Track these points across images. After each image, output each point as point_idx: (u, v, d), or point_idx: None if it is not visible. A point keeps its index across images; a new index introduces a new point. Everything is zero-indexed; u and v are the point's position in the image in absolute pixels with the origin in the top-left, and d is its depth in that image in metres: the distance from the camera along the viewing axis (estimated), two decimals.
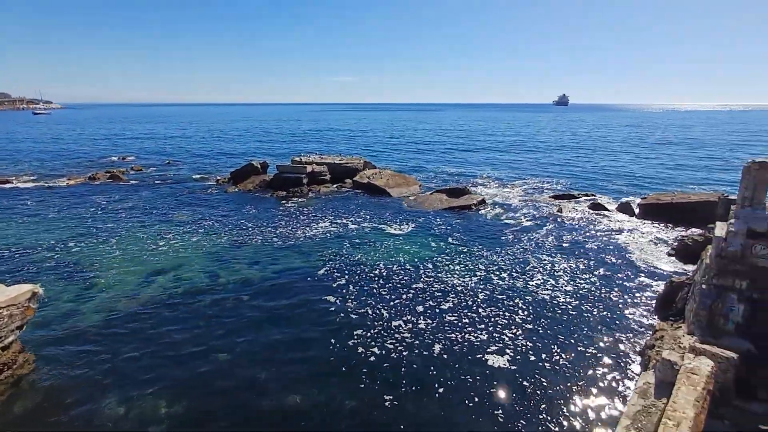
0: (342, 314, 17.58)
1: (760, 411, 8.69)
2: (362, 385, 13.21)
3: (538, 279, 20.86)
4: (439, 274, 21.39)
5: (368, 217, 32.34)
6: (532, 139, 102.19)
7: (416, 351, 14.98)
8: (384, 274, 21.55)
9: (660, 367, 9.36)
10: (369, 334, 16.02)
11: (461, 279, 20.82)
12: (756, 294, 11.05)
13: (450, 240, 26.62)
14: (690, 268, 20.77)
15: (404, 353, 14.82)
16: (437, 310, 17.84)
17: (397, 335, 15.96)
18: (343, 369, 14.02)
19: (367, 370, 13.90)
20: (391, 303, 18.51)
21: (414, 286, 20.12)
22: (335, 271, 22.04)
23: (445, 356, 14.72)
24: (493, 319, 17.15)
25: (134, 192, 41.46)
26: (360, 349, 15.05)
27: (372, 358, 14.54)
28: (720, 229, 12.34)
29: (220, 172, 51.98)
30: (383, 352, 14.92)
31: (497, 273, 21.57)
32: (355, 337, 15.82)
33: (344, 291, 19.74)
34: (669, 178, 50.75)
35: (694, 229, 26.08)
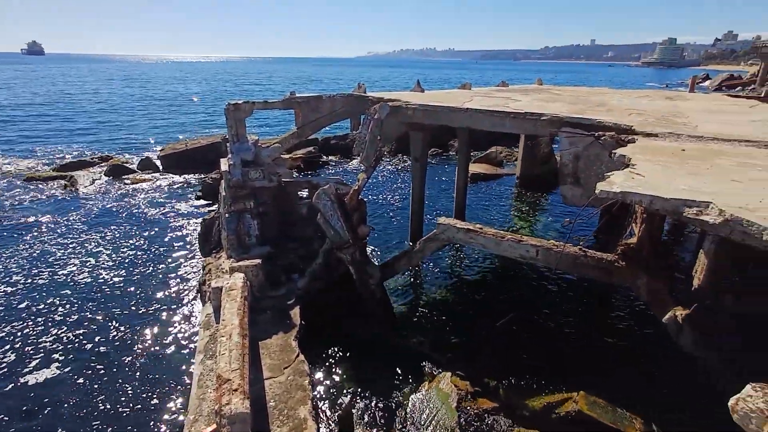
0: None
1: (284, 291, 11.50)
2: None
3: (71, 266, 17.51)
4: None
5: None
6: (5, 99, 78.95)
7: None
8: None
9: (212, 296, 10.31)
10: None
11: None
12: (261, 208, 13.97)
13: None
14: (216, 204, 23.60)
15: None
16: None
17: None
18: None
19: None
20: None
21: None
22: None
23: None
24: (19, 335, 13.15)
25: None
26: None
27: None
28: (224, 164, 14.31)
29: None
30: None
31: (6, 281, 16.27)
32: None
33: None
34: (179, 126, 54.17)
35: (211, 171, 29.38)
